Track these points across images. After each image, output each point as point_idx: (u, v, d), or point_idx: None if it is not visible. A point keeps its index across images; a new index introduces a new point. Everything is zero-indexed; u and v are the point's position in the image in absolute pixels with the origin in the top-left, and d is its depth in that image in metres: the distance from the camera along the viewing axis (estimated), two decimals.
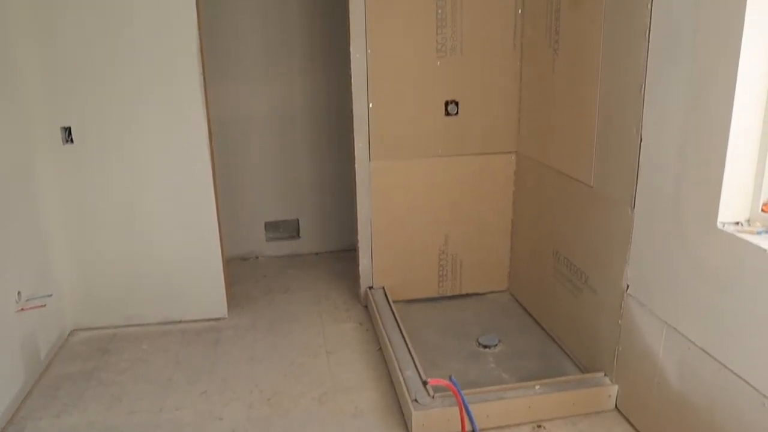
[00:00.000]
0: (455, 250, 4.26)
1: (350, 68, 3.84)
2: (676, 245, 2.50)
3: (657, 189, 2.60)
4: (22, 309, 3.29)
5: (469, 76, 3.94)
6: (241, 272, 4.96)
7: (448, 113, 3.96)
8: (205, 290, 4.06)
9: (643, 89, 2.63)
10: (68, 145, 3.69)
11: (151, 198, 3.84)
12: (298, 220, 5.27)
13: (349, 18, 3.77)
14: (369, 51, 3.79)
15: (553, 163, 3.60)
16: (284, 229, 5.31)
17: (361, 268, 4.22)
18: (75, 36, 3.54)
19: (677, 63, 2.42)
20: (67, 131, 3.68)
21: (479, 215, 4.21)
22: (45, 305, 3.44)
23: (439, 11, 3.81)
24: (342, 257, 5.18)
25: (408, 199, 4.09)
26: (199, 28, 3.66)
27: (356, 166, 3.98)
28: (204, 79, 3.72)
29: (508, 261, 4.35)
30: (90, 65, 3.59)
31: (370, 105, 3.87)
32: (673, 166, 2.48)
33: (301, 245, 5.32)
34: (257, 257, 5.28)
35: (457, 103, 3.95)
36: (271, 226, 5.28)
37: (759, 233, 2.15)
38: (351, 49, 3.79)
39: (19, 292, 3.29)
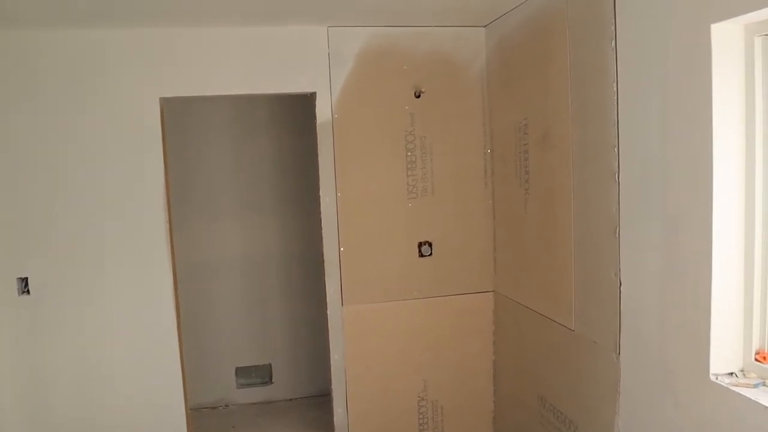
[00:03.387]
0: (435, 396, 4.02)
1: (321, 211, 3.80)
2: (668, 396, 2.33)
3: (642, 335, 2.47)
4: None
5: (442, 217, 3.90)
6: (208, 423, 4.65)
7: (422, 254, 3.88)
8: None
9: (617, 232, 2.57)
10: (24, 296, 3.52)
11: (109, 349, 3.63)
12: (270, 364, 5.02)
13: (318, 161, 3.77)
14: (339, 194, 3.76)
15: (531, 303, 3.48)
16: (256, 375, 5.04)
17: (335, 418, 3.95)
18: (34, 184, 3.49)
19: (650, 205, 2.38)
20: (24, 282, 3.52)
21: (459, 358, 4.02)
22: None
23: (409, 153, 3.83)
24: (316, 403, 4.89)
25: (383, 344, 3.91)
26: (166, 174, 3.63)
27: (328, 310, 3.84)
28: (170, 225, 3.64)
29: (491, 406, 4.10)
30: (49, 213, 3.51)
31: (341, 249, 3.79)
32: (657, 312, 2.37)
33: (274, 391, 5.04)
34: (227, 405, 4.97)
35: (430, 244, 3.89)
36: (243, 372, 5.01)
37: (756, 386, 2.01)
38: (320, 193, 3.77)
39: None
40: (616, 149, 2.56)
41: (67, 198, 3.52)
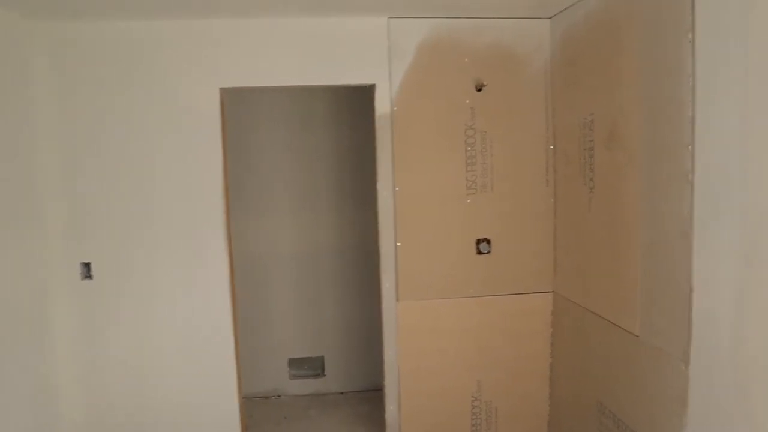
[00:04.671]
0: (489, 397, 3.93)
1: (378, 205, 3.76)
2: (742, 414, 2.19)
3: (714, 346, 2.33)
4: None
5: (501, 214, 3.80)
6: (260, 413, 4.68)
7: (479, 252, 3.79)
8: None
9: (690, 236, 2.43)
10: (87, 281, 3.60)
11: (166, 336, 3.69)
12: (323, 357, 5.02)
13: (376, 154, 3.73)
14: (396, 188, 3.71)
15: (593, 306, 3.35)
16: (309, 367, 5.06)
17: (387, 414, 3.91)
18: (98, 173, 3.56)
19: (727, 208, 2.24)
20: (87, 267, 3.60)
21: (514, 359, 3.92)
22: None
23: (469, 148, 3.74)
24: (368, 398, 4.87)
25: (437, 341, 3.84)
26: (225, 165, 3.65)
27: (383, 306, 3.79)
28: (228, 216, 3.65)
29: (547, 409, 3.99)
30: (112, 201, 3.58)
31: (398, 244, 3.73)
32: (732, 322, 2.23)
33: (326, 384, 5.04)
34: (279, 396, 5.00)
35: (489, 242, 3.79)
36: (296, 363, 5.03)
37: None
38: (378, 186, 3.72)
39: None
40: (690, 148, 2.42)
41: (128, 186, 3.58)
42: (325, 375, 5.04)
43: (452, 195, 3.76)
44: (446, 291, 3.82)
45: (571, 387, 3.70)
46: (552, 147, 3.80)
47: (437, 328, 3.83)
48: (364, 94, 3.93)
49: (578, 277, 3.54)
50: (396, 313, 3.80)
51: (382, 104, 3.67)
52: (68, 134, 3.51)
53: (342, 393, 5.04)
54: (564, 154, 3.66)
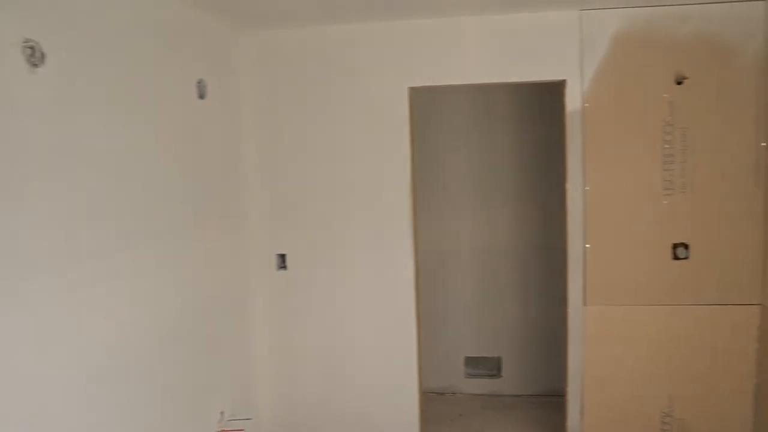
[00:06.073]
0: (682, 415, 3.64)
1: (563, 204, 3.64)
2: None
3: None
4: (223, 430, 3.35)
5: (702, 217, 3.51)
6: (436, 408, 4.72)
7: (676, 257, 3.53)
8: (399, 427, 3.88)
9: None
10: (281, 272, 3.85)
11: (355, 328, 3.86)
12: (500, 358, 4.96)
13: (565, 152, 3.61)
14: (587, 188, 3.56)
15: None
16: (485, 366, 5.02)
17: (569, 422, 3.78)
18: (294, 169, 3.82)
19: None
20: (282, 258, 3.85)
21: (712, 376, 3.59)
22: (243, 430, 3.47)
23: (666, 145, 3.49)
24: (545, 403, 4.72)
25: (626, 350, 3.63)
26: (412, 162, 3.74)
27: (569, 309, 3.67)
28: (414, 213, 3.74)
29: None
30: (306, 196, 3.82)
31: (587, 245, 3.58)
32: None
33: (502, 385, 4.97)
34: (454, 393, 5.02)
35: (686, 246, 3.52)
36: (471, 362, 5.02)
37: None
38: (567, 186, 3.61)
39: (222, 412, 3.38)
40: None
41: (321, 182, 3.79)
42: (501, 376, 4.97)
43: (647, 195, 3.54)
44: (638, 297, 3.60)
45: None
46: (764, 144, 3.44)
47: (627, 335, 3.63)
48: (547, 90, 3.82)
49: None
50: (583, 318, 3.65)
51: (572, 100, 3.55)
52: (269, 133, 3.80)
53: (518, 396, 4.94)
54: None
